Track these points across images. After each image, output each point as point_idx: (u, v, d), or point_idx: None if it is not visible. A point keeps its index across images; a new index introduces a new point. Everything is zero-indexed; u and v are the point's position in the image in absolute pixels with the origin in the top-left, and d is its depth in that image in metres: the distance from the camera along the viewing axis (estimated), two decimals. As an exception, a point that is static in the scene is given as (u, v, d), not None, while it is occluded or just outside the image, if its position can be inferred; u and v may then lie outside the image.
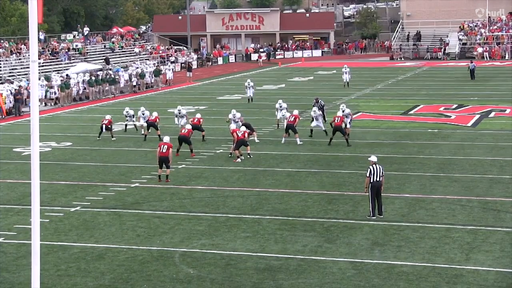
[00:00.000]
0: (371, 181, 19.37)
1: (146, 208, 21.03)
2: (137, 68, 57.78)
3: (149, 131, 32.79)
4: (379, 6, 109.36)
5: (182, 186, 23.75)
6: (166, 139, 24.90)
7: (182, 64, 74.41)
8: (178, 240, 17.87)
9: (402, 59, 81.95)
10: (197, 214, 20.20)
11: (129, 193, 22.86)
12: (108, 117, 33.91)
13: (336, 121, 30.39)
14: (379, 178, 19.41)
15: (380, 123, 36.91)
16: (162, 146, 24.35)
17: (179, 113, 33.95)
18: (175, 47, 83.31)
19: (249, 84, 45.78)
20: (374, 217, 19.31)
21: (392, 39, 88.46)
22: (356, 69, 70.22)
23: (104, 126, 33.33)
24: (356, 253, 16.67)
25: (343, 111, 31.75)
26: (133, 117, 35.17)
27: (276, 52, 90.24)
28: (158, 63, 64.91)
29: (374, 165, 19.50)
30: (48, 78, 49.81)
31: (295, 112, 32.58)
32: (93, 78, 51.55)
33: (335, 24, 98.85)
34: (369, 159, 19.91)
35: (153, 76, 57.48)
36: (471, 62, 60.12)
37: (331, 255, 16.60)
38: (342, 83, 54.46)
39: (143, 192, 23.02)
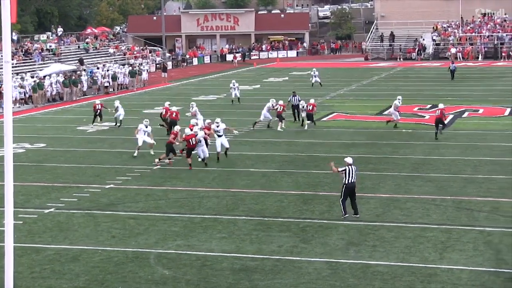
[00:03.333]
0: (346, 182, 19.45)
1: (121, 209, 20.95)
2: (109, 70, 57.48)
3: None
4: (353, 7, 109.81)
5: (157, 187, 23.68)
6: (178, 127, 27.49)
7: (157, 65, 74.24)
8: (153, 241, 17.81)
9: (369, 59, 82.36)
10: (172, 215, 20.15)
11: (103, 194, 22.75)
12: (98, 101, 37.59)
13: (308, 108, 34.17)
14: (354, 180, 19.50)
15: (355, 123, 37.07)
16: (191, 139, 26.18)
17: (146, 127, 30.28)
18: (150, 47, 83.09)
19: (234, 85, 45.78)
20: (347, 215, 19.37)
21: (366, 39, 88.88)
22: (330, 70, 70.49)
23: (98, 111, 36.78)
24: (332, 253, 16.71)
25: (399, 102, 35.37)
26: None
27: (251, 53, 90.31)
28: (138, 64, 64.58)
29: (349, 166, 19.57)
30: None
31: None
32: (67, 79, 51.25)
33: (310, 25, 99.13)
34: (345, 159, 19.95)
35: (129, 76, 57.27)
36: (452, 63, 60.69)
37: (306, 255, 16.63)
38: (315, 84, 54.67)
39: (118, 193, 22.93)
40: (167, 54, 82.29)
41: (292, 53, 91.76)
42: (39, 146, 31.73)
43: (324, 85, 54.42)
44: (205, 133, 27.63)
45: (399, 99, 36.05)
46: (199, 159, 26.93)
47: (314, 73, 55.04)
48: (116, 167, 26.78)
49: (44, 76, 51.76)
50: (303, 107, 36.25)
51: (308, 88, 52.57)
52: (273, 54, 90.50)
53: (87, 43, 72.51)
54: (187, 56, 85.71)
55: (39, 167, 27.23)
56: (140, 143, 28.53)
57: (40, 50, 63.51)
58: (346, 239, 17.81)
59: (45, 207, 21.13)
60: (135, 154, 28.47)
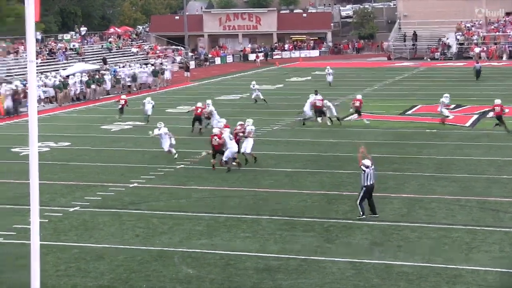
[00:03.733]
0: (367, 184, 19.26)
1: (145, 208, 21.00)
2: (131, 69, 57.62)
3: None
4: (376, 6, 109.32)
5: (181, 186, 23.72)
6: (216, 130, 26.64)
7: (180, 64, 74.39)
8: (177, 240, 17.84)
9: (391, 58, 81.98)
10: (197, 214, 20.17)
11: (128, 193, 22.82)
12: (123, 96, 39.10)
13: (317, 104, 35.54)
14: (373, 181, 19.33)
15: (378, 123, 36.90)
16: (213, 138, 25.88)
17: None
18: (173, 47, 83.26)
19: (253, 86, 45.91)
20: (365, 217, 19.24)
21: (389, 39, 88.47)
22: (353, 70, 70.27)
23: (121, 106, 38.32)
24: (356, 253, 16.65)
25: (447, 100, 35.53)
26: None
27: (274, 52, 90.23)
28: (159, 63, 64.69)
29: (368, 168, 19.38)
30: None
31: (359, 96, 37.09)
32: (91, 78, 51.52)
33: (332, 24, 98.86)
34: (363, 162, 19.65)
35: (152, 76, 57.40)
36: (477, 63, 60.25)
37: (330, 255, 16.58)
38: (335, 83, 54.50)
39: (142, 192, 22.99)
40: (190, 54, 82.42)
41: (315, 53, 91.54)
42: (63, 145, 31.89)
43: (347, 84, 54.22)
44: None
45: (446, 96, 36.21)
46: (233, 163, 25.93)
47: (328, 70, 54.93)
48: (140, 166, 26.83)
49: (68, 76, 52.03)
50: (314, 104, 36.52)
51: (329, 88, 52.40)
52: (296, 54, 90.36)
53: (110, 43, 72.78)
54: (210, 56, 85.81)
55: (64, 166, 27.37)
56: (166, 147, 27.94)
57: (64, 50, 63.83)
58: (370, 239, 17.74)
59: (70, 206, 21.24)
60: (175, 156, 27.77)
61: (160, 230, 18.76)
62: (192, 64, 75.88)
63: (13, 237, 18.11)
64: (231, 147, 25.78)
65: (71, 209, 20.88)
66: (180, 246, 17.34)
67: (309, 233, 18.28)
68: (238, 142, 26.88)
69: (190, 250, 17.02)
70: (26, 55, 8.83)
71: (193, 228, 18.84)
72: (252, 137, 27.26)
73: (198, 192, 22.89)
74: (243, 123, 27.96)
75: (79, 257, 16.67)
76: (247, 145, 26.82)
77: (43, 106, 46.00)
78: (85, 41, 71.63)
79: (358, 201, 19.41)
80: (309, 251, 16.85)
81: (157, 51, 76.95)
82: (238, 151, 26.41)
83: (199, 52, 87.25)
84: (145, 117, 37.71)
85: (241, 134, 27.17)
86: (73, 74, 52.61)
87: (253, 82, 46.81)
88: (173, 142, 28.10)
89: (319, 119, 36.21)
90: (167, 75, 60.23)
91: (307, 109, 36.62)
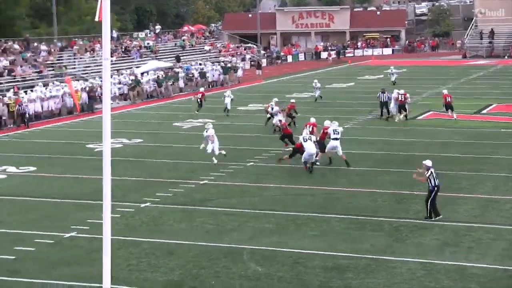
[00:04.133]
0: (436, 184, 18.88)
1: (215, 205, 21.16)
2: (200, 66, 58.04)
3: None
4: (451, 3, 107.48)
5: (251, 183, 23.80)
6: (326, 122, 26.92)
7: (252, 62, 74.67)
8: (247, 237, 17.92)
9: (467, 56, 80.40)
10: (266, 212, 20.22)
11: (198, 190, 23.04)
12: (202, 89, 41.59)
13: (400, 99, 35.28)
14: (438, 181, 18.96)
15: (452, 122, 36.29)
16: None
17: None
18: (245, 45, 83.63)
19: (316, 85, 45.88)
20: (432, 219, 18.85)
21: (465, 37, 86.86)
22: (427, 68, 69.25)
23: (199, 100, 40.46)
24: (426, 254, 16.42)
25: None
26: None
27: (346, 50, 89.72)
28: (229, 61, 65.04)
29: (431, 169, 18.92)
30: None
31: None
32: (166, 76, 52.18)
33: (406, 22, 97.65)
34: (424, 163, 19.16)
35: (223, 73, 57.78)
36: None
37: (400, 255, 16.40)
38: (409, 81, 53.82)
39: (212, 189, 23.17)
40: (262, 52, 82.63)
41: (388, 51, 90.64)
42: (136, 142, 32.39)
43: (420, 83, 53.45)
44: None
45: None
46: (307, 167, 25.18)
47: (392, 70, 54.30)
48: (210, 163, 26.99)
49: (142, 73, 52.82)
50: (397, 98, 36.85)
51: (404, 86, 51.73)
52: (368, 52, 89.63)
53: (183, 41, 73.55)
54: (282, 54, 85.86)
55: (136, 162, 27.80)
56: (209, 149, 26.75)
57: (138, 48, 64.81)
58: (441, 240, 17.47)
59: (142, 202, 21.57)
60: (215, 162, 26.67)
61: (229, 227, 18.88)
62: (264, 62, 76.07)
63: (86, 232, 18.49)
64: (308, 149, 24.96)
65: (143, 205, 21.20)
66: (249, 243, 17.41)
67: (379, 233, 18.12)
68: (323, 141, 26.52)
69: (259, 247, 17.07)
70: (101, 53, 9.02)
71: (263, 226, 18.89)
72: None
73: (268, 190, 22.94)
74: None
75: (149, 252, 16.92)
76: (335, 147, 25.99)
77: (117, 103, 46.82)
78: (159, 39, 72.57)
79: (429, 202, 19.01)
80: (378, 251, 16.70)
81: (230, 49, 77.38)
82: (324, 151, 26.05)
83: (271, 50, 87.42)
84: (225, 110, 39.59)
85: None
86: (147, 72, 53.39)
87: (315, 81, 46.77)
88: (215, 147, 26.68)
89: (400, 115, 36.46)
90: (239, 73, 60.56)
91: (392, 105, 36.95)
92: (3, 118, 38.07)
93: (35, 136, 35.27)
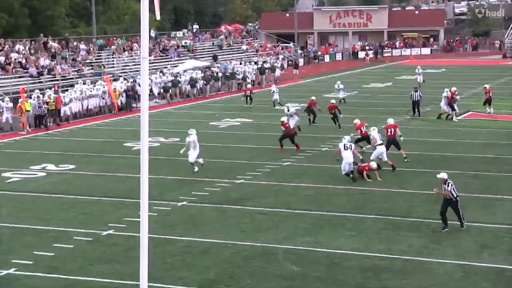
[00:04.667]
0: (456, 196, 18.09)
1: (250, 204, 21.19)
2: (232, 66, 58.09)
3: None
4: (492, 2, 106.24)
5: (287, 183, 23.80)
6: (391, 121, 26.93)
7: (289, 62, 74.63)
8: (282, 236, 17.91)
9: (507, 56, 79.33)
10: (302, 212, 20.20)
11: (234, 189, 23.09)
12: (249, 86, 42.40)
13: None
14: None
15: (491, 122, 35.89)
16: (389, 129, 26.28)
17: (288, 112, 33.07)
18: (282, 44, 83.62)
19: (338, 86, 45.95)
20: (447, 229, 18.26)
21: (506, 36, 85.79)
22: (466, 68, 68.55)
23: (247, 97, 42.40)
24: (464, 256, 16.26)
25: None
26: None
27: (384, 50, 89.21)
28: (264, 61, 65.00)
29: (449, 181, 18.17)
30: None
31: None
32: (201, 75, 52.37)
33: (445, 21, 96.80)
34: (440, 177, 18.29)
35: (259, 73, 57.76)
36: None
37: (437, 256, 16.27)
38: (446, 82, 53.32)
39: (248, 188, 23.21)
40: (299, 51, 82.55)
41: (426, 51, 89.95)
42: (173, 141, 32.51)
43: (459, 83, 52.89)
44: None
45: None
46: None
47: (419, 70, 53.55)
48: (246, 162, 27.06)
49: (178, 73, 53.08)
50: (448, 97, 37.14)
51: (443, 86, 51.28)
52: (406, 52, 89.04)
53: (221, 40, 73.79)
54: (319, 53, 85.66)
55: (173, 161, 27.93)
56: (192, 159, 25.52)
57: (176, 47, 65.14)
58: (479, 242, 17.29)
59: (178, 200, 21.68)
60: (196, 170, 25.50)
61: (265, 226, 18.89)
62: (301, 62, 75.97)
63: (124, 229, 18.64)
64: (347, 158, 23.98)
65: (179, 204, 21.31)
66: (285, 243, 17.41)
67: (415, 233, 17.99)
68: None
69: (295, 247, 17.06)
70: (140, 52, 9.10)
71: (298, 225, 18.87)
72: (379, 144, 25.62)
73: (304, 190, 22.91)
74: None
75: (185, 250, 17.00)
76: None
77: (157, 102, 47.05)
78: (197, 38, 72.90)
79: (461, 214, 18.28)
80: (415, 252, 16.59)
81: (267, 49, 77.42)
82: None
83: (309, 49, 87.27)
84: (277, 103, 41.50)
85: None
86: (185, 71, 53.64)
87: (338, 82, 46.74)
88: (193, 154, 25.51)
89: (453, 113, 36.87)
90: (277, 73, 60.48)
91: (443, 104, 37.20)
92: (44, 116, 38.42)
93: (74, 134, 35.67)
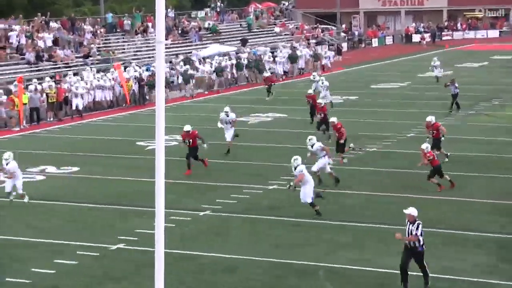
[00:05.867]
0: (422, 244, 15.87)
1: (284, 214, 21.18)
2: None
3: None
4: None
5: (330, 189, 23.71)
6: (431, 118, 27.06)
7: (330, 47, 74.51)
8: (323, 252, 17.90)
9: None
10: (344, 223, 20.17)
11: (265, 196, 23.11)
12: (266, 74, 46.10)
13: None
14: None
15: None
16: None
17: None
18: (322, 26, 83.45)
19: (434, 63, 46.99)
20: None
21: None
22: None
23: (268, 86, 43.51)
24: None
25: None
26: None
27: (443, 33, 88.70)
28: (294, 47, 64.83)
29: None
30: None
31: None
32: (227, 62, 52.44)
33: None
34: (408, 212, 16.13)
35: (289, 62, 57.45)
36: None
37: (507, 277, 16.12)
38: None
39: (281, 195, 23.15)
40: (342, 34, 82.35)
41: (494, 33, 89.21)
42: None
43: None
44: None
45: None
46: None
47: (435, 63, 50.71)
48: (280, 165, 26.94)
49: (201, 59, 53.16)
50: None
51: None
52: (470, 34, 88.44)
53: (250, 21, 73.77)
54: (365, 37, 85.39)
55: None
56: (8, 188, 23.00)
57: (197, 29, 65.23)
58: (556, 261, 17.13)
59: (200, 209, 21.74)
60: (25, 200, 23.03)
61: (301, 240, 18.88)
62: (344, 47, 75.78)
63: (136, 243, 18.74)
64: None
65: (201, 213, 21.38)
66: (325, 259, 17.39)
67: (480, 250, 17.88)
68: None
69: (336, 265, 17.03)
70: (155, 35, 9.09)
71: (340, 239, 18.85)
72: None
73: (348, 198, 22.88)
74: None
75: (207, 268, 17.05)
76: None
77: (184, 93, 47.16)
78: (222, 18, 72.98)
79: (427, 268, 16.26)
80: (480, 272, 16.49)
81: (304, 31, 77.31)
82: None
83: (353, 32, 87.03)
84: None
85: None
86: (208, 57, 53.71)
87: (435, 58, 49.21)
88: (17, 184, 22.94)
89: None
90: (324, 61, 59.91)
91: None
92: (41, 110, 38.75)
93: (77, 131, 35.92)
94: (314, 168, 23.71)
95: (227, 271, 16.86)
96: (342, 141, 27.43)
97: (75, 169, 27.43)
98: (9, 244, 19.10)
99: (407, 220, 15.84)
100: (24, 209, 22.26)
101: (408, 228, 15.70)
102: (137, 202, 22.51)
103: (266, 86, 45.34)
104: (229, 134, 29.45)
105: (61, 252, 18.25)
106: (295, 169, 21.12)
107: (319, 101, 33.04)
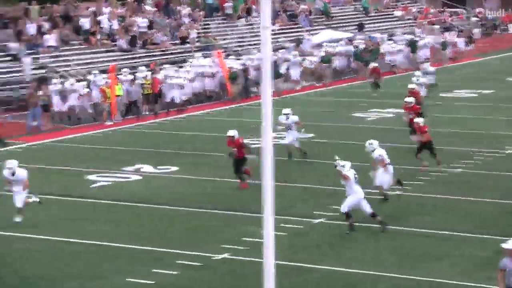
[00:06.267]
0: None
1: (410, 223, 20.97)
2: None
3: None
4: None
5: (460, 196, 23.43)
6: None
7: (460, 33, 73.42)
8: (457, 270, 17.63)
9: None
10: (482, 236, 19.80)
11: (387, 203, 22.82)
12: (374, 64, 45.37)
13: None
14: None
15: None
16: None
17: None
18: (450, 9, 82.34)
19: None
20: None
21: None
22: None
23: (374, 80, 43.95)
24: None
25: None
26: None
27: None
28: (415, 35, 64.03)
29: None
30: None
31: None
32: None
33: None
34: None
35: (410, 51, 56.85)
36: None
37: None
38: None
39: (406, 202, 22.99)
40: (473, 19, 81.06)
41: None
42: (306, 137, 31.77)
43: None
44: None
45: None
46: None
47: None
48: (403, 167, 26.53)
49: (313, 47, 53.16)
50: None
51: None
52: None
53: (367, 4, 73.29)
54: (501, 22, 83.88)
55: (306, 163, 27.93)
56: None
57: (307, 12, 65.14)
58: None
59: (313, 216, 21.66)
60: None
61: (431, 254, 18.64)
62: (476, 33, 74.55)
63: (243, 253, 18.75)
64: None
65: (315, 221, 21.31)
66: (460, 277, 17.08)
67: None
68: None
69: (473, 284, 16.74)
70: (259, 20, 9.03)
71: (478, 254, 18.55)
72: None
73: (482, 206, 22.48)
74: None
75: (321, 282, 17.00)
76: None
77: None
78: (335, 1, 72.75)
79: None
80: None
81: (429, 15, 76.40)
82: None
83: (487, 16, 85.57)
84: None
85: None
86: (321, 44, 53.60)
87: None
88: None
89: None
90: (448, 51, 59.11)
91: None
92: (138, 103, 39.17)
93: (176, 127, 36.27)
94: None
95: (344, 287, 16.72)
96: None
97: (174, 168, 27.69)
98: (102, 251, 19.32)
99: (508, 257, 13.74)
100: (118, 212, 22.57)
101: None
102: (243, 207, 22.52)
103: (374, 79, 44.86)
104: (289, 138, 28.79)
105: (160, 261, 18.43)
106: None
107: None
